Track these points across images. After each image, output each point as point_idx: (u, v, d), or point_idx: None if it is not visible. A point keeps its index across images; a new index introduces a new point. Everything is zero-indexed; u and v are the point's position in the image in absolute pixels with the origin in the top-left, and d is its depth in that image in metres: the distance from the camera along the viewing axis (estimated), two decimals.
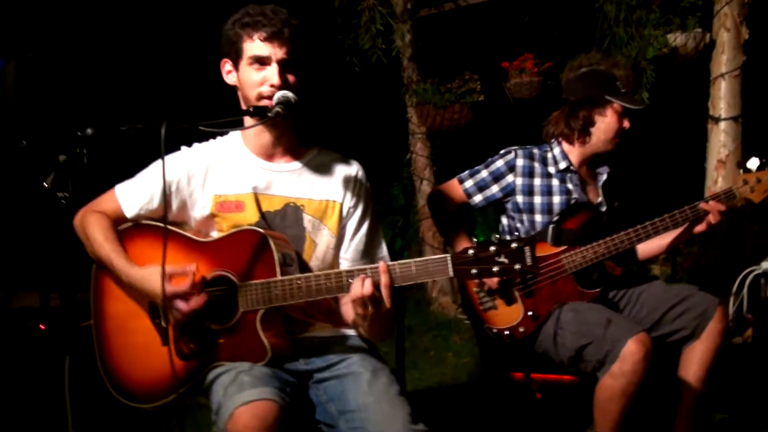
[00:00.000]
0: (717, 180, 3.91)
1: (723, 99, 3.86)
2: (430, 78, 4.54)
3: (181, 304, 1.80)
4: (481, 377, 3.58)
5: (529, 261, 1.64)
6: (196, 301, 1.80)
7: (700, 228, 2.54)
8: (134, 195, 1.96)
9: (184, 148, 2.01)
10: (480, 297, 2.58)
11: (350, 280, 1.73)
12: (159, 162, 1.84)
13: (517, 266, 1.64)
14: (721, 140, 3.89)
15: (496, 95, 4.47)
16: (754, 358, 3.18)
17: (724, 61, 3.85)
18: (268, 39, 1.83)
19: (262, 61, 1.85)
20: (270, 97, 1.84)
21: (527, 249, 1.64)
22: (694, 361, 2.51)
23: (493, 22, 4.82)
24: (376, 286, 1.71)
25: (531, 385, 2.81)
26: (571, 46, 4.28)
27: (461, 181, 2.73)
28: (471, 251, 1.67)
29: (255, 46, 1.85)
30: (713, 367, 2.50)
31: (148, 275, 1.83)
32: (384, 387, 1.83)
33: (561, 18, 4.58)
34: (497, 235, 1.68)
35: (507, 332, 2.51)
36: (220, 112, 1.77)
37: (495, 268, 1.65)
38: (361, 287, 1.70)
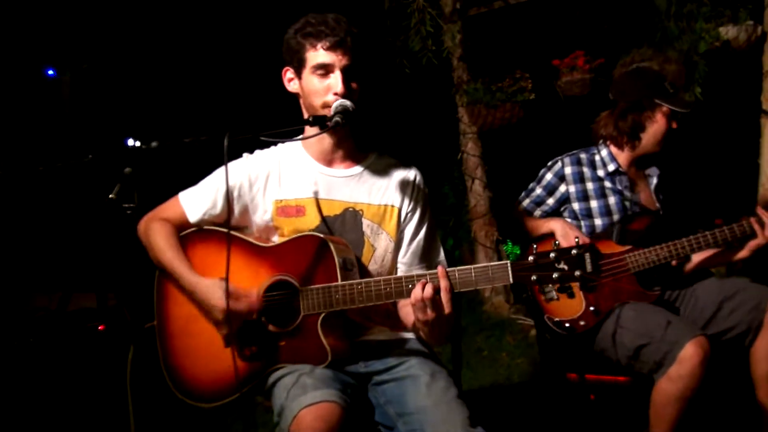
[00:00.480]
0: None
1: None
2: (481, 77, 4.53)
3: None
4: (534, 378, 3.57)
5: (589, 268, 1.65)
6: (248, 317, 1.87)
7: (756, 242, 2.52)
8: (198, 201, 2.02)
9: (245, 154, 2.07)
10: (542, 287, 2.59)
11: (410, 286, 1.76)
12: (222, 169, 1.89)
13: (578, 273, 1.65)
14: None
15: (548, 93, 4.44)
16: None
17: None
18: (331, 48, 1.87)
19: (326, 70, 1.89)
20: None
21: (587, 256, 1.65)
22: (761, 358, 2.45)
23: (543, 20, 4.78)
24: (437, 290, 1.73)
25: (585, 386, 2.80)
26: (623, 42, 4.24)
27: (520, 203, 2.79)
28: (531, 258, 1.68)
29: (319, 55, 1.88)
30: None
31: (210, 288, 1.89)
32: (442, 390, 1.85)
33: (612, 13, 4.51)
34: (557, 242, 1.69)
35: (567, 324, 2.51)
36: (280, 119, 1.82)
37: (555, 275, 1.66)
38: (422, 291, 1.73)
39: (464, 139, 4.85)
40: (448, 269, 1.76)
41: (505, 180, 5.31)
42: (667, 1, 4.06)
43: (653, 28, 4.07)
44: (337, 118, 1.80)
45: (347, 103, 1.86)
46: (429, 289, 1.73)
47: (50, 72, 4.37)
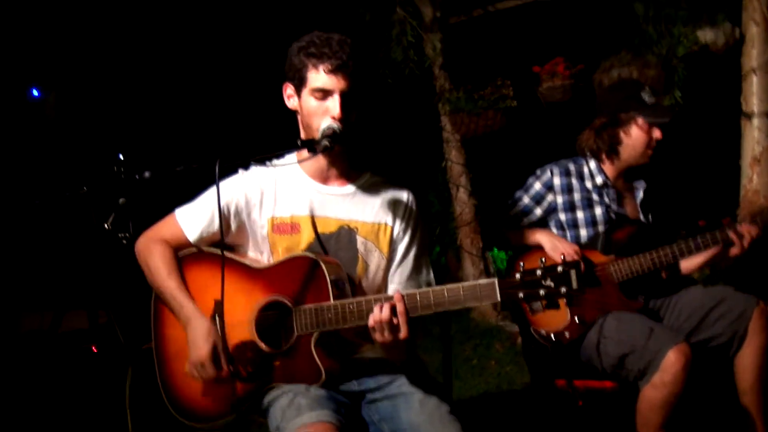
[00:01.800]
0: (752, 178, 3.90)
1: (755, 94, 3.85)
2: (463, 85, 4.59)
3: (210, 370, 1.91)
4: (524, 385, 3.62)
5: (575, 284, 1.68)
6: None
7: (734, 251, 2.60)
8: (195, 219, 2.04)
9: (241, 170, 2.08)
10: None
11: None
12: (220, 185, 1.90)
13: (563, 289, 1.69)
14: (755, 137, 3.88)
15: (529, 100, 4.50)
16: None
17: (754, 55, 3.83)
18: (332, 71, 1.89)
19: (325, 93, 1.91)
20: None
21: (573, 272, 1.69)
22: (746, 367, 2.53)
23: (523, 27, 4.84)
24: (393, 313, 1.77)
25: (573, 392, 2.85)
26: (602, 47, 4.31)
27: (506, 211, 2.81)
28: (518, 275, 1.72)
29: (320, 77, 1.90)
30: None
31: (199, 336, 1.92)
32: (435, 407, 1.89)
33: (590, 19, 4.59)
34: (544, 258, 1.74)
35: (553, 336, 2.56)
36: (278, 132, 1.82)
37: (542, 292, 1.70)
38: (380, 313, 1.77)
39: (447, 147, 4.90)
40: (420, 291, 1.80)
41: (489, 187, 5.38)
42: (645, 5, 4.12)
43: (632, 33, 4.14)
44: (325, 142, 1.83)
45: (335, 125, 1.88)
46: (386, 312, 1.76)
47: (35, 92, 4.36)
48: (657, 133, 2.67)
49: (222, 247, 1.90)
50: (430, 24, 4.66)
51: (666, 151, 2.80)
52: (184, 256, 2.07)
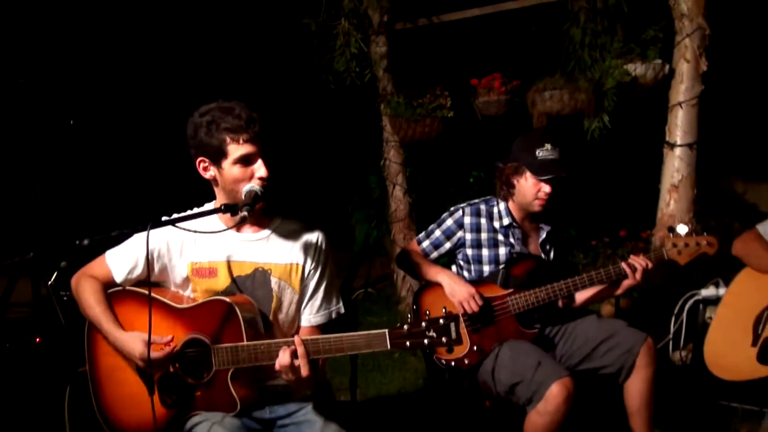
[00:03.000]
0: (669, 203, 4.18)
1: (680, 126, 4.10)
2: (404, 90, 4.77)
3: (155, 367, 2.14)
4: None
5: (453, 335, 1.95)
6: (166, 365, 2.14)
7: (628, 283, 2.86)
8: (122, 262, 2.26)
9: (164, 217, 2.27)
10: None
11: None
12: (143, 234, 2.06)
13: (444, 339, 1.95)
14: (675, 165, 4.14)
15: (466, 110, 4.71)
16: (691, 377, 3.53)
17: (682, 90, 4.08)
18: (251, 140, 2.11)
19: (248, 160, 2.12)
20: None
21: (452, 325, 1.95)
22: (633, 394, 2.83)
23: (464, 40, 5.02)
24: (294, 356, 2.02)
25: (480, 393, 3.11)
26: (538, 67, 4.53)
27: (419, 242, 3.08)
28: (405, 327, 1.98)
29: (241, 148, 2.11)
30: (653, 394, 2.83)
31: (130, 340, 2.16)
32: None
33: (529, 38, 4.79)
34: (428, 312, 1.99)
35: (453, 363, 2.83)
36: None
37: (425, 341, 1.96)
38: (283, 356, 2.02)
39: (387, 147, 5.11)
40: (311, 338, 2.05)
41: (424, 187, 5.62)
42: (582, 31, 4.30)
43: (567, 56, 4.33)
44: (244, 213, 2.04)
45: (256, 188, 2.10)
46: (286, 356, 2.02)
47: None
48: (546, 188, 2.87)
49: (150, 289, 2.10)
50: (377, 26, 4.81)
51: (593, 169, 3.01)
52: (114, 292, 2.29)
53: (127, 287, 2.27)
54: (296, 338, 2.03)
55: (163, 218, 2.09)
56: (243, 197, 2.10)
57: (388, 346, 1.99)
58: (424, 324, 1.96)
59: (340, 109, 5.98)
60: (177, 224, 2.02)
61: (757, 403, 3.30)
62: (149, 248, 2.16)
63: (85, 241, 1.81)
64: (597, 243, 4.79)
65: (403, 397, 3.82)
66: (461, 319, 1.98)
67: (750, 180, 5.96)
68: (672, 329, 3.82)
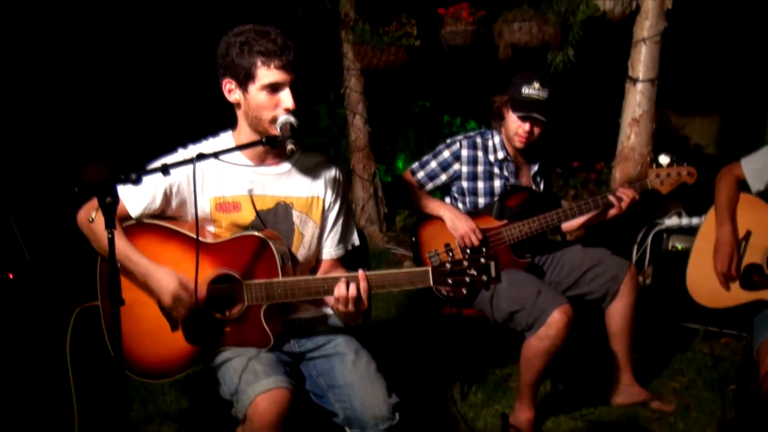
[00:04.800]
0: (630, 136, 4.33)
1: (642, 62, 4.21)
2: (366, 15, 4.66)
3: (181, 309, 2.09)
4: (412, 312, 4.00)
5: (493, 273, 2.00)
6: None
7: (613, 212, 2.97)
8: (137, 196, 2.14)
9: (180, 149, 2.19)
10: (432, 260, 2.94)
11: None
12: (157, 165, 1.94)
13: (484, 277, 2.00)
14: (636, 100, 4.27)
15: (432, 40, 4.67)
16: (652, 299, 3.74)
17: (647, 26, 4.17)
18: (282, 67, 2.01)
19: (276, 87, 2.03)
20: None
21: (492, 264, 2.00)
22: (615, 318, 3.00)
23: None
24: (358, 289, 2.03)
25: (462, 320, 3.21)
26: None
27: (413, 173, 3.08)
28: (448, 265, 2.01)
29: (270, 73, 2.01)
30: (633, 319, 3.00)
31: (166, 276, 2.07)
32: (365, 366, 2.17)
33: None
34: (468, 250, 2.02)
35: (452, 293, 2.89)
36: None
37: (467, 279, 2.00)
38: (346, 290, 2.02)
39: (348, 75, 5.02)
40: (367, 273, 2.04)
41: (384, 117, 5.58)
42: None
43: None
44: (291, 146, 1.97)
45: (292, 119, 2.02)
46: (353, 289, 2.02)
47: None
48: (525, 126, 2.92)
49: (197, 231, 2.05)
50: None
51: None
52: (129, 226, 2.17)
53: (145, 220, 2.17)
54: (360, 272, 2.02)
55: (204, 151, 1.99)
56: (279, 130, 2.02)
57: (431, 284, 2.02)
58: (465, 262, 1.99)
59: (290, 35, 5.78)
60: (220, 157, 1.92)
61: (719, 326, 3.57)
62: (166, 184, 2.12)
63: (132, 175, 1.71)
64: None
65: (378, 327, 3.87)
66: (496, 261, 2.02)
67: (684, 114, 6.24)
68: (634, 257, 4.01)
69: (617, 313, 3.00)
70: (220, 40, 2.07)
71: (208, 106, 2.40)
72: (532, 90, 2.90)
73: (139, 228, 2.17)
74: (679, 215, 3.93)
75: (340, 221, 2.33)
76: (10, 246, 3.82)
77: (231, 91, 2.10)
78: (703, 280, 2.90)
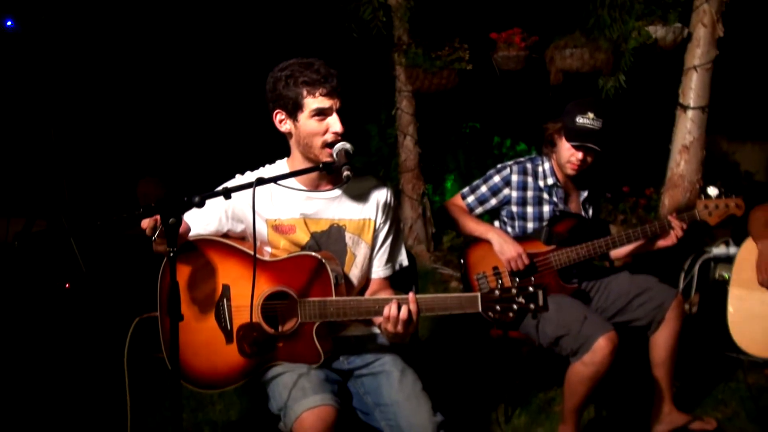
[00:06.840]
0: (680, 163, 4.33)
1: (693, 89, 4.22)
2: (421, 42, 4.75)
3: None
4: (457, 332, 4.03)
5: (541, 302, 2.05)
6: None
7: (662, 243, 3.00)
8: (197, 218, 2.28)
9: (238, 175, 2.33)
10: (479, 283, 3.00)
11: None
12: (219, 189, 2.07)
13: (532, 305, 2.05)
14: (687, 127, 4.28)
15: (484, 64, 4.74)
16: (697, 327, 3.73)
17: (698, 54, 4.19)
18: (328, 94, 2.13)
19: (324, 113, 2.14)
20: (334, 143, 2.14)
21: (540, 293, 2.04)
22: (660, 346, 2.99)
23: None
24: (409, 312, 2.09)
25: (509, 342, 3.23)
26: (558, 24, 4.56)
27: (464, 197, 3.14)
28: (497, 292, 2.06)
29: (317, 101, 2.13)
30: (677, 347, 2.99)
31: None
32: (411, 384, 2.24)
33: None
34: (516, 275, 2.07)
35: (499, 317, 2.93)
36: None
37: (515, 306, 2.05)
38: (397, 312, 2.08)
39: (399, 97, 5.12)
40: (417, 296, 2.10)
41: (435, 139, 5.66)
42: None
43: (587, 15, 4.35)
44: (347, 173, 2.06)
45: (348, 146, 2.12)
46: (404, 311, 2.09)
47: (8, 23, 4.20)
48: (578, 155, 2.96)
49: (255, 251, 2.14)
50: None
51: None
52: (198, 239, 2.28)
53: (212, 237, 2.29)
54: (411, 295, 2.09)
55: (262, 176, 2.10)
56: (335, 157, 2.12)
57: (479, 309, 2.08)
58: (514, 290, 2.05)
59: (342, 58, 5.93)
60: (279, 182, 2.03)
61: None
62: (229, 208, 2.25)
63: (196, 199, 1.82)
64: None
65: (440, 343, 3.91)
66: (545, 290, 2.06)
67: (735, 140, 6.16)
68: (681, 285, 3.99)
69: (662, 340, 2.99)
70: (267, 77, 2.20)
71: (261, 139, 2.52)
72: (586, 120, 2.94)
73: (203, 242, 2.28)
74: (727, 244, 3.90)
75: (389, 241, 2.41)
76: (66, 257, 3.98)
77: (282, 121, 2.22)
78: (747, 329, 2.92)
